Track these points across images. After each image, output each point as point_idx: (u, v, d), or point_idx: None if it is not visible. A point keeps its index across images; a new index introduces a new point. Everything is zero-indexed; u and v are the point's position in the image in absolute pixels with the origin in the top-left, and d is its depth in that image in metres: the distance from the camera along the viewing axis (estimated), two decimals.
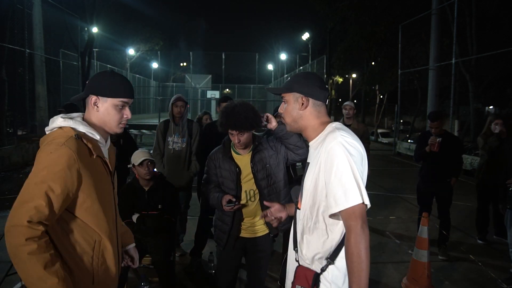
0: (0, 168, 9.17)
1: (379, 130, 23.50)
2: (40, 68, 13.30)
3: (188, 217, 4.71)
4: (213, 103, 25.72)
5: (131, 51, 31.85)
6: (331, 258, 1.44)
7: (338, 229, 1.44)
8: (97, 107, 1.53)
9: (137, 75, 35.31)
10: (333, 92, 28.08)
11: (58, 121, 1.48)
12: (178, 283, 3.54)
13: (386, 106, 25.95)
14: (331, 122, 1.55)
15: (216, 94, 27.48)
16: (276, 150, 2.50)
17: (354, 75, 32.64)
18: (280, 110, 1.62)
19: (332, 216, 1.41)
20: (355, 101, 35.93)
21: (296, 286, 1.49)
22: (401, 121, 24.09)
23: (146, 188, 3.21)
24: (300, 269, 1.51)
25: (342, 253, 1.42)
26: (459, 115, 17.73)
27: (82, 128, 1.47)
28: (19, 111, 12.70)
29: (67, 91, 18.68)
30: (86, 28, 16.45)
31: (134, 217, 3.13)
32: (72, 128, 1.45)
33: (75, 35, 16.71)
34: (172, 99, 4.19)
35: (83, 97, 1.56)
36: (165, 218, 3.19)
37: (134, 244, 1.87)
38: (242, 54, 35.53)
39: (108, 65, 28.04)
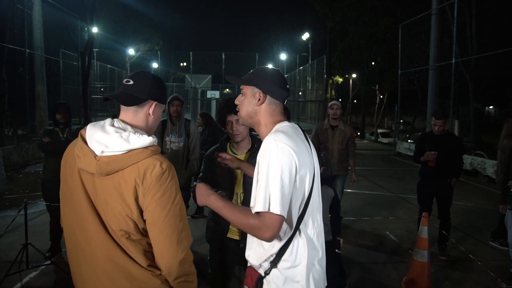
0: None
1: (379, 130, 23.50)
2: (40, 68, 13.30)
3: (187, 217, 4.70)
4: (213, 103, 25.73)
5: (131, 51, 31.84)
6: (274, 262, 1.43)
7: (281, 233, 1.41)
8: (153, 113, 1.45)
9: None
10: (333, 92, 28.10)
11: (146, 140, 1.34)
12: None
13: (386, 106, 25.95)
14: (283, 121, 1.53)
15: (216, 94, 27.46)
16: None
17: (354, 75, 32.64)
18: (236, 101, 1.60)
19: None
20: (355, 101, 35.99)
21: (244, 286, 1.53)
22: (401, 121, 24.10)
23: None
24: (248, 270, 1.55)
25: (285, 256, 1.42)
26: (459, 115, 17.73)
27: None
28: (19, 111, 12.71)
29: (67, 91, 18.70)
30: (86, 28, 16.43)
31: None
32: (157, 146, 1.40)
33: (75, 35, 16.72)
34: (169, 98, 4.20)
35: (142, 101, 1.41)
36: None
37: None
38: (242, 54, 35.53)
39: (108, 65, 28.06)
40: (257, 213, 1.33)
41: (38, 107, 13.17)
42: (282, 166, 1.33)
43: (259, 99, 1.51)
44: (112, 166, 1.29)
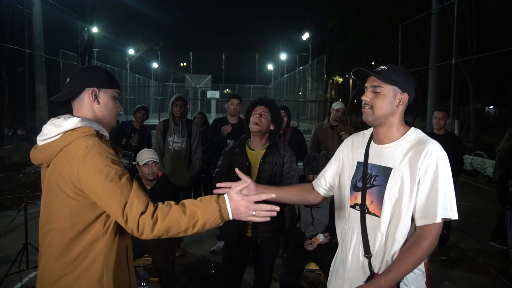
0: (0, 168, 9.16)
1: None
2: (40, 68, 13.28)
3: None
4: (213, 103, 25.73)
5: (131, 51, 31.86)
6: None
7: None
8: (97, 100, 1.44)
9: (137, 75, 35.33)
10: (333, 92, 28.11)
11: (73, 122, 1.35)
12: (178, 283, 3.54)
13: None
14: (407, 124, 1.56)
15: (216, 94, 27.46)
16: (285, 160, 2.54)
17: None
18: (365, 97, 1.52)
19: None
20: (355, 101, 35.99)
21: None
22: None
23: (148, 187, 3.22)
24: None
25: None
26: (459, 115, 17.71)
27: (96, 127, 1.41)
28: (19, 111, 12.71)
29: None
30: (86, 28, 16.44)
31: None
32: (89, 127, 1.38)
33: (75, 35, 16.70)
34: (172, 98, 4.21)
35: (76, 93, 1.43)
36: None
37: None
38: (242, 54, 35.54)
39: (108, 65, 28.06)
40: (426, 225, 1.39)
41: (38, 107, 13.16)
42: (451, 173, 1.42)
43: (400, 100, 1.49)
44: (45, 153, 1.35)
